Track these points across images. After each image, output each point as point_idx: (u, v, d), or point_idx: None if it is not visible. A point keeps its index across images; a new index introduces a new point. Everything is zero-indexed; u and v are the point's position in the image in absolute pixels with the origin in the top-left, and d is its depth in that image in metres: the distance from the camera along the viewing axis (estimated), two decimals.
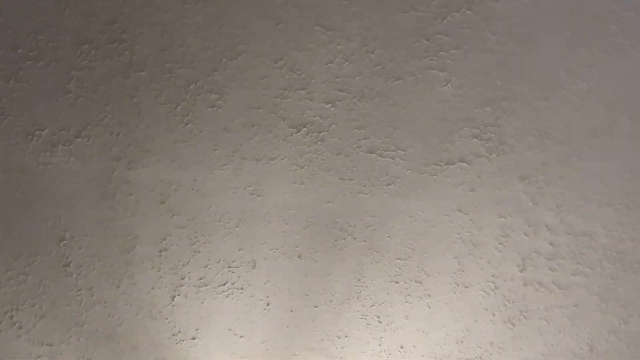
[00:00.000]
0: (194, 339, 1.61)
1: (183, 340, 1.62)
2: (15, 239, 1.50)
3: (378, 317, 1.57)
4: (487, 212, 1.44)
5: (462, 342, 1.58)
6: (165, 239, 1.51)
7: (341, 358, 1.63)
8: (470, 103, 1.33)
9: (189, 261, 1.53)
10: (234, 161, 1.41)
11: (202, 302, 1.58)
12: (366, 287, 1.54)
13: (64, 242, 1.50)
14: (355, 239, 1.49)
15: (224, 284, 1.56)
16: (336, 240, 1.50)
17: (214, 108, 1.36)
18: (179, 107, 1.36)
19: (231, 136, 1.39)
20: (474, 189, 1.41)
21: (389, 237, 1.48)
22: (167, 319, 1.59)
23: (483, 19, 1.24)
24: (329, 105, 1.35)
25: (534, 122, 1.34)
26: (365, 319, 1.58)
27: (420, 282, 1.53)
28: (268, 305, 1.58)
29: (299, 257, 1.52)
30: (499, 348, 1.58)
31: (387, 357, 1.61)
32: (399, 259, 1.51)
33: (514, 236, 1.45)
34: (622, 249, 1.45)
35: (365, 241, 1.49)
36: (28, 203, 1.46)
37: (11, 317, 1.58)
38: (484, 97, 1.32)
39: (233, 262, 1.53)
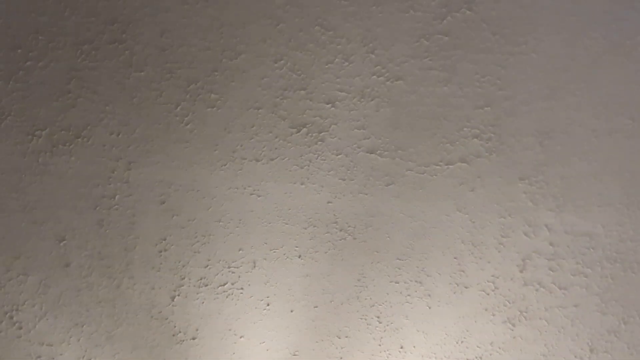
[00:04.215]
0: (194, 339, 1.61)
1: (183, 341, 1.62)
2: (15, 239, 1.50)
3: (378, 317, 1.57)
4: (487, 212, 1.44)
5: (462, 342, 1.58)
6: (165, 239, 1.51)
7: (341, 358, 1.63)
8: (470, 103, 1.33)
9: (189, 261, 1.53)
10: (234, 161, 1.41)
11: (202, 302, 1.58)
12: (366, 287, 1.54)
13: (64, 242, 1.50)
14: (355, 239, 1.49)
15: (224, 284, 1.56)
16: (336, 240, 1.49)
17: (214, 108, 1.36)
18: (179, 107, 1.36)
19: (231, 136, 1.39)
20: (474, 189, 1.41)
21: (389, 237, 1.48)
22: (167, 319, 1.59)
23: (483, 19, 1.24)
24: (329, 105, 1.35)
25: (534, 122, 1.34)
26: (365, 319, 1.58)
27: (420, 282, 1.53)
28: (268, 305, 1.58)
29: (299, 257, 1.52)
30: (499, 348, 1.58)
31: (387, 357, 1.61)
32: (399, 259, 1.51)
33: (514, 236, 1.45)
34: (622, 249, 1.45)
35: (365, 241, 1.49)
36: (28, 203, 1.46)
37: (11, 317, 1.58)
38: (484, 97, 1.32)
39: (233, 262, 1.53)
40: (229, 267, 1.54)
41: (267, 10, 1.26)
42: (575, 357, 1.56)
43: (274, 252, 1.52)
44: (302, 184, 1.43)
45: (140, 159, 1.42)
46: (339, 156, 1.40)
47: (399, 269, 1.52)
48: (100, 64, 1.32)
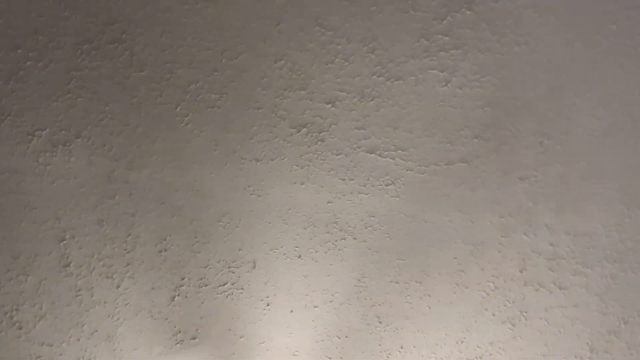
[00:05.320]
0: (194, 339, 1.61)
1: (183, 341, 1.62)
2: (15, 239, 1.50)
3: (378, 317, 1.57)
4: (487, 212, 1.44)
5: (462, 342, 1.58)
6: (165, 239, 1.51)
7: (341, 358, 1.63)
8: (470, 103, 1.33)
9: (189, 261, 1.53)
10: (234, 161, 1.41)
11: (202, 302, 1.58)
12: (366, 287, 1.54)
13: (64, 242, 1.50)
14: (355, 239, 1.49)
15: (224, 284, 1.56)
16: (336, 240, 1.50)
17: (214, 108, 1.36)
18: (179, 107, 1.36)
19: (231, 136, 1.39)
20: (474, 189, 1.41)
21: (389, 237, 1.48)
22: (167, 319, 1.59)
23: (483, 19, 1.24)
24: (329, 105, 1.35)
25: (534, 122, 1.34)
26: (365, 319, 1.58)
27: (420, 282, 1.53)
28: (268, 305, 1.58)
29: (299, 257, 1.52)
30: (499, 348, 1.58)
31: (387, 357, 1.61)
32: (399, 259, 1.51)
33: (514, 236, 1.45)
34: (622, 249, 1.45)
35: (365, 241, 1.49)
36: (28, 203, 1.46)
37: (11, 317, 1.58)
38: (484, 97, 1.32)
39: (233, 262, 1.53)
40: (229, 267, 1.54)
41: (267, 10, 1.26)
42: (575, 357, 1.56)
43: (274, 252, 1.52)
44: (302, 184, 1.43)
45: (140, 159, 1.42)
46: (339, 156, 1.40)
47: (399, 269, 1.52)
48: (100, 64, 1.32)
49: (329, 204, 1.45)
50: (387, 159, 1.40)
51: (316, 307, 1.58)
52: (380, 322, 1.58)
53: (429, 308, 1.55)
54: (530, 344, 1.56)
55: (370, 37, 1.28)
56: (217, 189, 1.45)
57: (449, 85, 1.31)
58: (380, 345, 1.61)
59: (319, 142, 1.39)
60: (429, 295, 1.54)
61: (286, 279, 1.55)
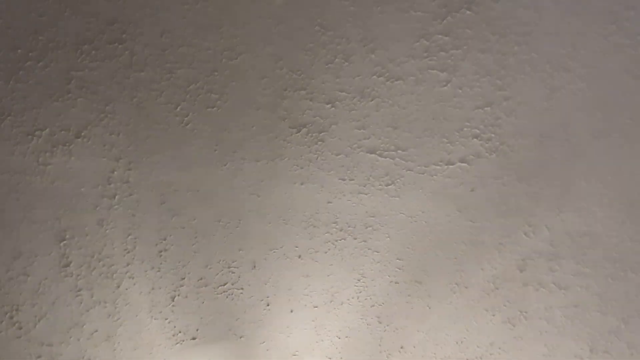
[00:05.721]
0: (194, 339, 1.61)
1: (183, 341, 1.62)
2: (15, 239, 1.50)
3: (378, 317, 1.57)
4: (487, 212, 1.44)
5: (462, 342, 1.58)
6: (165, 239, 1.51)
7: (341, 358, 1.63)
8: (470, 103, 1.33)
9: (189, 261, 1.53)
10: (234, 161, 1.41)
11: (202, 302, 1.58)
12: (366, 287, 1.54)
13: (64, 242, 1.50)
14: (355, 239, 1.49)
15: (224, 284, 1.56)
16: (336, 240, 1.49)
17: (214, 108, 1.36)
18: (179, 107, 1.36)
19: (231, 136, 1.39)
20: (474, 189, 1.41)
21: (389, 237, 1.48)
22: (167, 319, 1.59)
23: (483, 19, 1.24)
24: (329, 105, 1.35)
25: (534, 122, 1.34)
26: (365, 319, 1.58)
27: (420, 282, 1.53)
28: (268, 305, 1.58)
29: (299, 257, 1.52)
30: (499, 348, 1.58)
31: (387, 357, 1.61)
32: (399, 259, 1.51)
33: (514, 236, 1.45)
34: (622, 249, 1.45)
35: (365, 241, 1.49)
36: (28, 203, 1.46)
37: (11, 317, 1.58)
38: (484, 97, 1.32)
39: (233, 262, 1.53)
40: (229, 267, 1.54)
41: (267, 10, 1.26)
42: (575, 357, 1.56)
43: (274, 252, 1.52)
44: (302, 184, 1.43)
45: (140, 159, 1.42)
46: (339, 156, 1.40)
47: (399, 269, 1.51)
48: (100, 64, 1.32)
49: (329, 204, 1.45)
50: (387, 159, 1.40)
51: (316, 307, 1.58)
52: (380, 322, 1.58)
53: (429, 308, 1.55)
54: (530, 344, 1.56)
55: (370, 37, 1.28)
56: (217, 189, 1.45)
57: (449, 85, 1.31)
58: (380, 345, 1.61)
59: (319, 142, 1.39)
60: (429, 295, 1.54)
61: (286, 279, 1.55)
